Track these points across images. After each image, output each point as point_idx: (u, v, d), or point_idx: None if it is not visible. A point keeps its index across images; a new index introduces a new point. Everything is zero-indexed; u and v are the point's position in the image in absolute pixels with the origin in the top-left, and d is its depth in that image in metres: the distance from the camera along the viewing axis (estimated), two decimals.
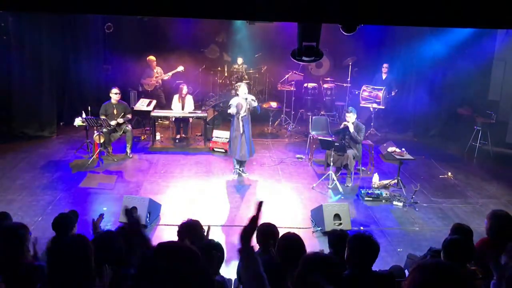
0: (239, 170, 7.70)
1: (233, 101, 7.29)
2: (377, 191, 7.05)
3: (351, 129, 7.39)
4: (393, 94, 10.33)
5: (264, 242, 3.58)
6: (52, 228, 3.76)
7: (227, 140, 8.62)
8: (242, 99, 7.23)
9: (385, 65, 10.51)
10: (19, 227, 2.96)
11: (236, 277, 3.78)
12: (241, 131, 7.28)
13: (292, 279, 2.53)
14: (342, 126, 7.60)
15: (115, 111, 8.40)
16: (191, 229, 3.52)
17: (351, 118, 7.45)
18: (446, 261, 3.00)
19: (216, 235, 5.60)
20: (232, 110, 7.25)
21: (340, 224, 5.73)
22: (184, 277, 1.37)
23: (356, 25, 3.39)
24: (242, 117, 7.25)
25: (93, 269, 2.41)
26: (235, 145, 7.42)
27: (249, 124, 7.39)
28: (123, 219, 5.73)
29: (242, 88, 7.30)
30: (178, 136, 9.64)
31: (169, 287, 1.36)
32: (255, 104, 7.21)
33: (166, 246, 1.49)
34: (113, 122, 8.26)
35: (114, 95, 8.33)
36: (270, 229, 3.66)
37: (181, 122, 9.58)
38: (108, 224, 5.73)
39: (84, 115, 8.10)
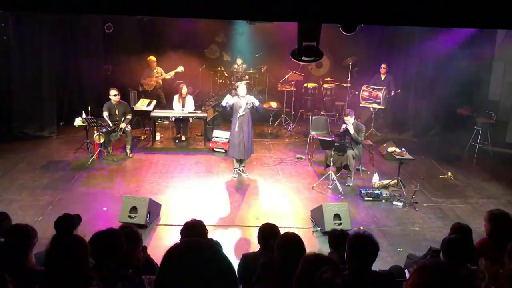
0: (239, 170, 7.69)
1: (231, 100, 7.26)
2: (377, 191, 7.05)
3: (351, 130, 7.39)
4: (392, 94, 10.32)
5: (265, 242, 3.59)
6: (54, 226, 3.76)
7: (227, 140, 8.63)
8: (241, 99, 7.25)
9: (383, 65, 10.50)
10: (29, 229, 2.94)
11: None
12: (238, 130, 7.28)
13: (292, 279, 2.53)
14: (342, 129, 7.58)
15: (117, 111, 8.41)
16: (194, 229, 3.52)
17: (349, 120, 7.44)
18: (446, 261, 3.00)
19: (216, 235, 5.60)
20: (225, 101, 7.25)
21: (340, 224, 5.72)
22: (210, 275, 1.28)
23: (356, 25, 3.39)
24: (240, 116, 7.24)
25: (90, 269, 2.41)
26: (233, 144, 7.44)
27: (248, 124, 7.36)
28: (123, 219, 5.74)
29: (241, 88, 7.31)
30: (178, 136, 9.64)
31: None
32: (257, 103, 7.22)
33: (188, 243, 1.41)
34: (110, 123, 8.25)
35: (113, 96, 8.33)
36: (271, 229, 3.67)
37: (181, 122, 9.58)
38: (108, 224, 5.73)
39: (84, 115, 8.11)
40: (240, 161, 7.65)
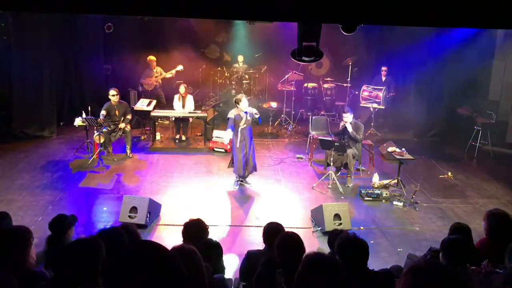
0: (241, 181, 7.30)
1: (231, 114, 6.92)
2: (377, 191, 7.05)
3: (350, 129, 7.39)
4: (391, 94, 10.36)
5: (270, 240, 3.59)
6: (48, 227, 3.76)
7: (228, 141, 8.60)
8: (241, 111, 6.87)
9: (383, 68, 10.54)
10: (22, 231, 2.94)
11: (236, 276, 3.79)
12: (240, 144, 6.93)
13: (293, 278, 2.53)
14: (341, 127, 7.61)
15: (117, 112, 8.40)
16: (195, 229, 3.52)
17: (348, 118, 7.44)
18: (440, 263, 3.00)
19: (216, 234, 5.61)
20: (226, 137, 7.10)
21: (340, 224, 5.73)
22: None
23: (356, 25, 3.40)
24: (241, 129, 6.91)
25: (100, 272, 2.41)
26: (237, 160, 7.04)
27: (250, 136, 7.01)
28: (123, 219, 5.73)
29: (243, 102, 6.86)
30: (178, 136, 9.64)
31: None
32: (257, 116, 6.86)
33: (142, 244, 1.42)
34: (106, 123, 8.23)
35: (112, 96, 8.31)
36: (276, 228, 3.67)
37: (181, 122, 9.58)
38: (108, 224, 5.74)
39: (84, 115, 8.10)
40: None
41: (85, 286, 2.32)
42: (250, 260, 3.59)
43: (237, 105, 6.92)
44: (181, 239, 3.52)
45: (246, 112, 6.84)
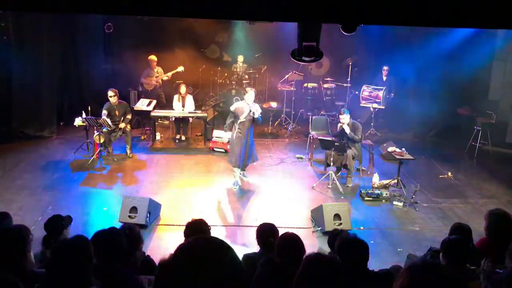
0: (239, 175, 7.34)
1: (233, 106, 7.06)
2: (377, 191, 7.05)
3: (347, 130, 7.37)
4: (392, 95, 10.36)
5: (264, 241, 3.60)
6: (44, 227, 3.77)
7: (227, 140, 8.61)
8: (245, 105, 6.93)
9: (385, 67, 10.52)
10: (21, 230, 2.93)
11: None
12: (237, 137, 6.99)
13: (293, 279, 2.53)
14: (338, 128, 7.61)
15: (117, 112, 8.40)
16: (196, 229, 3.52)
17: (345, 120, 7.43)
18: (437, 262, 3.01)
19: (216, 234, 5.60)
20: (254, 111, 6.94)
21: (340, 224, 5.73)
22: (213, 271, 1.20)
23: (356, 25, 3.39)
24: (240, 122, 6.95)
25: (91, 271, 2.41)
26: (232, 152, 7.15)
27: (248, 130, 7.03)
28: (123, 219, 5.73)
29: (250, 94, 6.90)
30: (178, 136, 9.63)
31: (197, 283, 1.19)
32: (257, 115, 6.89)
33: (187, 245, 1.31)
34: (110, 123, 8.22)
35: (110, 97, 8.28)
36: (269, 228, 3.68)
37: (181, 122, 9.58)
38: (108, 224, 5.74)
39: (84, 115, 8.10)
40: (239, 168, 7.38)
41: (79, 284, 2.31)
42: (246, 263, 3.58)
43: (244, 96, 7.05)
44: (182, 239, 3.52)
45: (250, 109, 6.89)
